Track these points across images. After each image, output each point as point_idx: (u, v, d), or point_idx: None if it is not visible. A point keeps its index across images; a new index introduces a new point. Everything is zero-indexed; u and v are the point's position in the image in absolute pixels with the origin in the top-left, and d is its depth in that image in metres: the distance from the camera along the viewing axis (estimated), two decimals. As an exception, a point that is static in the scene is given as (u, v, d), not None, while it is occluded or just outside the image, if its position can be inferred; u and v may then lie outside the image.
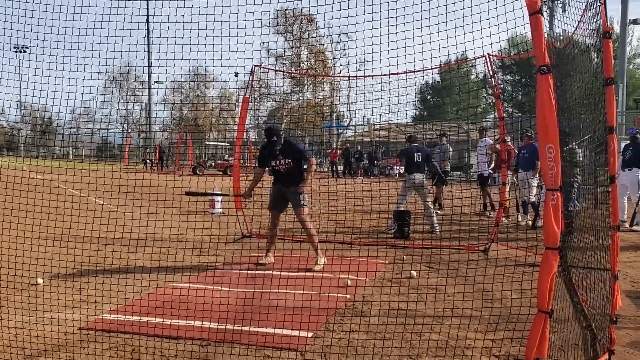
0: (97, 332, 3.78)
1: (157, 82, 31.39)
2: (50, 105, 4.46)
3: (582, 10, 4.13)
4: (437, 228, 8.55)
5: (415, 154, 8.65)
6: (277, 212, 6.23)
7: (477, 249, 7.02)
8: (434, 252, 6.69)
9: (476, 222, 9.58)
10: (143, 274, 5.19)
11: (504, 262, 4.78)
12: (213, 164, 28.22)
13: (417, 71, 6.15)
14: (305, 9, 27.68)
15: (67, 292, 4.37)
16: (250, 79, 8.17)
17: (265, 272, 5.64)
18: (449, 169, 12.10)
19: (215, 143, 33.53)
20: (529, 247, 6.35)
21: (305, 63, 36.38)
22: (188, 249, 6.46)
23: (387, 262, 6.19)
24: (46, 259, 4.50)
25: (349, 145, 30.28)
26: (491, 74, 7.85)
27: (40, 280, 4.96)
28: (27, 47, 4.55)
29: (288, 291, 4.65)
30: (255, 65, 8.11)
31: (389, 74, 6.54)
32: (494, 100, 8.36)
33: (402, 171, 10.82)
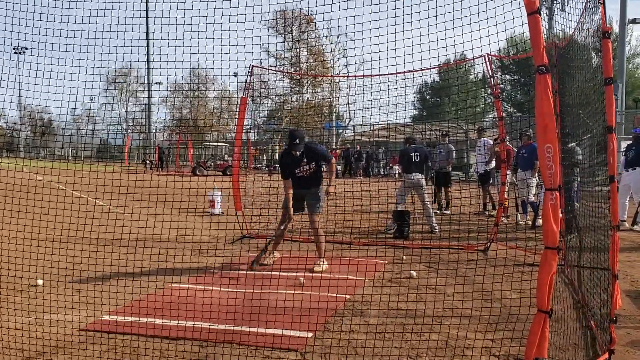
0: (97, 333, 3.78)
1: (157, 83, 31.41)
2: (50, 106, 4.46)
3: (581, 10, 4.14)
4: (437, 228, 8.55)
5: (413, 154, 8.66)
6: (292, 213, 6.13)
7: (476, 248, 7.02)
8: (434, 252, 6.69)
9: (476, 222, 9.58)
10: (143, 275, 5.18)
11: (503, 262, 4.78)
12: (213, 164, 28.22)
13: (416, 71, 6.17)
14: (305, 9, 27.64)
15: (67, 293, 4.37)
16: (249, 79, 8.17)
17: (265, 272, 5.64)
18: (450, 169, 12.08)
19: (215, 143, 33.52)
20: (529, 246, 6.35)
21: (305, 63, 36.37)
22: (188, 249, 6.46)
23: (386, 262, 6.19)
24: (46, 260, 4.50)
25: (349, 145, 30.27)
26: (490, 74, 7.85)
27: (40, 282, 4.96)
28: (26, 48, 4.56)
29: (287, 292, 4.65)
30: (253, 65, 8.11)
31: (388, 74, 6.56)
32: (493, 100, 8.35)
33: (400, 171, 10.83)
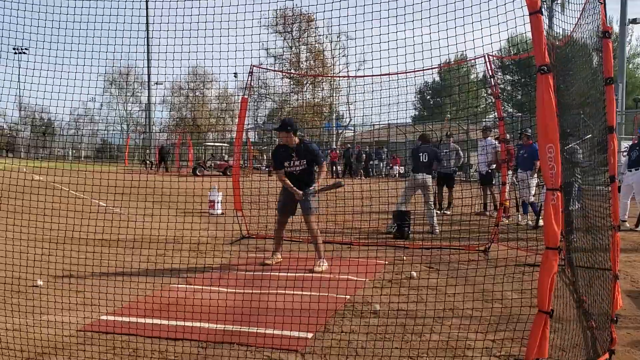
0: (96, 334, 3.77)
1: (156, 82, 31.41)
2: (50, 106, 4.45)
3: (581, 10, 4.13)
4: (437, 228, 8.55)
5: (421, 154, 8.65)
6: (285, 215, 6.17)
7: (477, 249, 7.01)
8: (434, 253, 6.68)
9: (476, 222, 9.57)
10: (142, 275, 5.18)
11: (504, 262, 4.77)
12: (213, 164, 28.23)
13: (416, 71, 6.16)
14: (305, 9, 27.64)
15: (66, 294, 4.36)
16: (249, 80, 8.16)
17: (265, 273, 5.63)
18: (455, 170, 12.08)
19: (215, 144, 33.54)
20: (529, 247, 6.34)
21: (305, 63, 36.37)
22: (187, 250, 6.45)
23: (387, 262, 6.18)
24: (45, 260, 4.49)
25: (349, 145, 30.27)
26: (490, 74, 7.84)
27: (39, 282, 4.95)
28: (26, 49, 4.55)
29: (287, 292, 4.64)
30: (253, 66, 8.11)
31: (389, 74, 6.55)
32: (493, 100, 8.34)
33: (402, 171, 10.81)
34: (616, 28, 24.13)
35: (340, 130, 33.96)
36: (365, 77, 8.22)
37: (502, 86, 42.74)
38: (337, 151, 29.80)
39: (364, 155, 28.62)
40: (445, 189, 11.70)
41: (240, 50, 4.21)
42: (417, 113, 46.11)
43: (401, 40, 3.80)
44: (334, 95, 35.04)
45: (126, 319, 4.04)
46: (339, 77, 36.84)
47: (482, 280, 4.81)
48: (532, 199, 9.16)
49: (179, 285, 5.11)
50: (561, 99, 4.58)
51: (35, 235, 4.65)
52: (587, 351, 3.48)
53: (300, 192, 5.89)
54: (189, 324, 3.75)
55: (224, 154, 30.63)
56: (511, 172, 9.69)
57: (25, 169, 5.27)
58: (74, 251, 4.87)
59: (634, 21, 25.03)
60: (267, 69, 13.56)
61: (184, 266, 5.85)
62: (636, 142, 9.83)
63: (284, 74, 32.48)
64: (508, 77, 46.39)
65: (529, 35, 2.68)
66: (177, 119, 42.03)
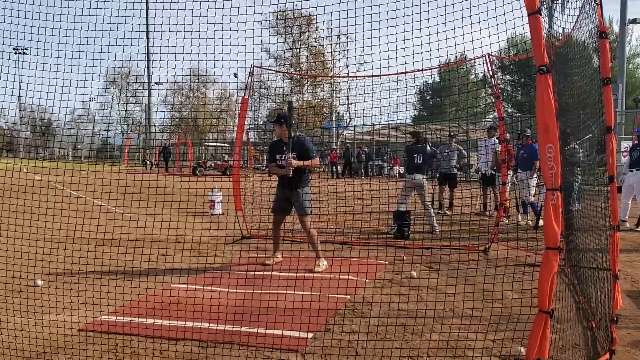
0: (96, 333, 3.77)
1: (157, 83, 31.38)
2: (50, 106, 4.46)
3: (579, 10, 4.14)
4: (437, 228, 8.55)
5: (416, 155, 8.65)
6: (280, 216, 6.17)
7: (477, 249, 7.01)
8: (434, 253, 6.69)
9: (476, 222, 9.58)
10: (143, 275, 5.18)
11: (504, 262, 4.77)
12: (213, 164, 28.25)
13: (416, 71, 6.16)
14: (305, 10, 27.66)
15: (66, 293, 4.36)
16: (250, 80, 8.17)
17: (265, 273, 5.64)
18: (455, 171, 12.08)
19: (215, 144, 33.55)
20: (529, 247, 6.35)
21: (305, 64, 36.38)
22: (187, 250, 6.45)
23: (387, 262, 6.19)
24: (45, 260, 4.49)
25: (349, 145, 30.27)
26: (490, 74, 7.84)
27: (39, 282, 4.96)
28: (26, 49, 4.55)
29: (288, 292, 4.65)
30: (254, 66, 8.11)
31: (390, 74, 6.56)
32: (493, 101, 8.35)
33: (401, 171, 10.82)
34: (616, 28, 24.16)
35: (340, 131, 33.96)
36: (365, 77, 8.22)
37: (502, 86, 42.72)
38: (337, 151, 29.80)
39: (364, 155, 28.62)
40: (446, 188, 11.71)
41: (243, 53, 4.22)
42: (417, 113, 46.12)
43: (401, 41, 3.80)
44: (334, 95, 35.08)
45: (126, 319, 4.05)
46: (339, 77, 36.87)
47: (482, 280, 4.81)
48: (532, 199, 9.17)
49: (179, 285, 5.11)
50: (561, 99, 4.59)
51: (37, 235, 4.65)
52: (587, 351, 3.49)
53: (286, 164, 5.78)
54: (189, 324, 3.75)
55: (224, 154, 30.65)
56: (511, 172, 9.70)
57: (26, 169, 5.28)
58: (74, 251, 4.88)
59: (633, 21, 25.02)
60: (267, 69, 13.56)
61: (184, 266, 5.85)
62: (636, 142, 9.83)
63: (284, 74, 32.50)
64: (508, 77, 46.38)
65: (529, 35, 2.69)
66: (177, 119, 42.06)
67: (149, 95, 32.86)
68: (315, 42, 35.25)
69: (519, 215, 9.80)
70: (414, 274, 5.53)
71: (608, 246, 3.47)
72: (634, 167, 9.37)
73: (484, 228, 8.52)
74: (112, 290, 4.30)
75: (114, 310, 4.23)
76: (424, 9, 3.65)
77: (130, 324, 3.94)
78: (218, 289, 4.84)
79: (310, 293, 4.56)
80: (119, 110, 47.20)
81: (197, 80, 42.07)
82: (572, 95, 5.20)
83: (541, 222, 7.79)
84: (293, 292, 4.63)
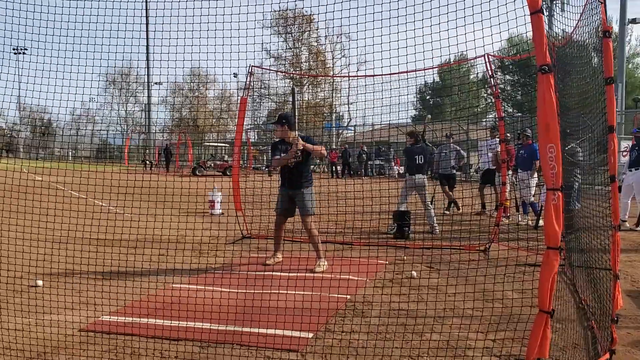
0: (97, 333, 3.77)
1: (156, 83, 31.37)
2: (50, 106, 4.46)
3: (581, 10, 4.13)
4: (437, 228, 8.55)
5: (417, 156, 8.64)
6: (283, 217, 6.17)
7: (477, 249, 7.01)
8: (435, 253, 6.69)
9: (476, 222, 9.58)
10: (143, 275, 5.18)
11: (504, 262, 4.77)
12: (212, 164, 28.25)
13: (416, 71, 6.16)
14: (305, 9, 27.65)
15: (67, 293, 4.36)
16: (249, 80, 8.16)
17: (266, 273, 5.64)
18: (455, 171, 12.07)
19: (215, 144, 33.55)
20: (530, 247, 6.35)
21: (305, 63, 36.37)
22: (188, 250, 6.45)
23: (387, 262, 6.19)
24: (46, 260, 4.49)
25: (347, 145, 30.28)
26: (490, 74, 7.84)
27: (40, 282, 4.96)
28: (26, 49, 4.55)
29: (288, 292, 4.65)
30: (253, 66, 8.11)
31: (390, 74, 6.56)
32: (493, 100, 8.35)
33: (401, 171, 10.82)
34: (616, 28, 24.12)
35: (341, 131, 33.96)
36: (365, 77, 8.22)
37: (502, 86, 42.72)
38: (337, 151, 29.80)
39: (364, 155, 28.63)
40: (446, 189, 11.70)
41: (243, 52, 4.22)
42: (417, 113, 46.10)
43: (402, 41, 3.80)
44: (334, 95, 35.07)
45: (127, 319, 4.05)
46: (339, 76, 36.85)
47: (482, 280, 4.81)
48: (532, 199, 9.17)
49: (180, 286, 5.11)
50: (561, 99, 4.58)
51: (37, 235, 4.65)
52: (587, 351, 3.48)
53: (294, 149, 5.75)
54: (189, 324, 3.75)
55: (224, 154, 30.65)
56: (511, 172, 9.70)
57: (26, 169, 5.27)
58: (74, 251, 4.88)
59: (633, 21, 25.02)
60: (267, 69, 13.55)
61: (184, 266, 5.85)
62: (635, 142, 9.83)
63: (284, 74, 32.48)
64: (508, 77, 46.39)
65: (529, 35, 2.69)
66: (178, 119, 42.05)
67: (149, 96, 32.83)
68: (316, 42, 35.26)
69: (519, 215, 9.80)
70: (414, 273, 5.53)
71: (609, 246, 3.47)
72: (633, 166, 9.38)
73: (484, 228, 8.52)
74: (112, 290, 4.30)
75: (115, 310, 4.23)
76: (424, 8, 3.65)
77: (130, 324, 3.94)
78: (218, 289, 4.84)
79: (310, 293, 4.56)
80: (118, 110, 47.22)
81: (197, 80, 42.05)
82: (572, 95, 5.20)
83: (541, 222, 7.80)
84: (294, 292, 4.64)
